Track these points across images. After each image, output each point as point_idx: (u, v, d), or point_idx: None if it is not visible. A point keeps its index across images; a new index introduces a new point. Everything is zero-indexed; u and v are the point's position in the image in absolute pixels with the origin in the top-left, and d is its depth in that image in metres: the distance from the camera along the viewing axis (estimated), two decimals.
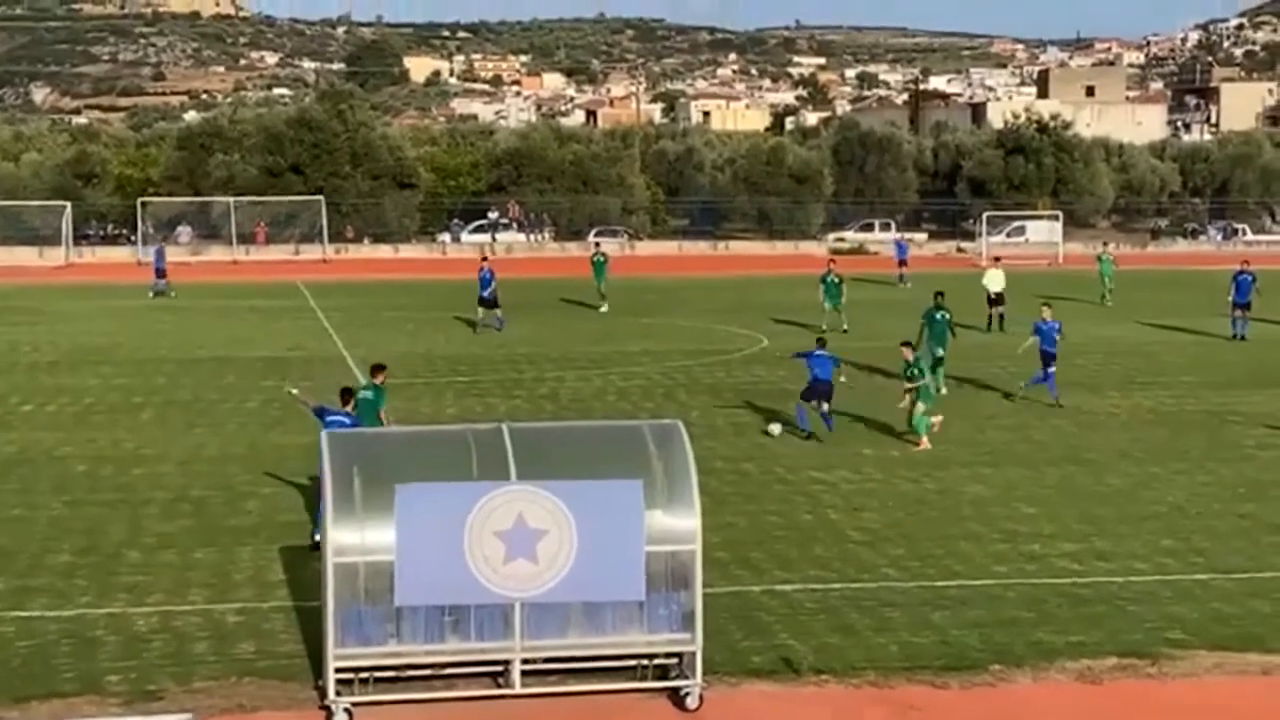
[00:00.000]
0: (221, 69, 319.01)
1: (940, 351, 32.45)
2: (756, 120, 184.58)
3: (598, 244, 61.69)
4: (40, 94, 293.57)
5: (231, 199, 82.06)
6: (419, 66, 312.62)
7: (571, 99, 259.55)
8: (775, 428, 28.32)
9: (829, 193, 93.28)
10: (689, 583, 14.67)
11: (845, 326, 43.11)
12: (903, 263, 61.36)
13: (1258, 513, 22.21)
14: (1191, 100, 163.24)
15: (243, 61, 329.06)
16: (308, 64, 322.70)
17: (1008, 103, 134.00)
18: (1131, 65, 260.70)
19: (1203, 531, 21.13)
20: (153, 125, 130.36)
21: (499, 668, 14.73)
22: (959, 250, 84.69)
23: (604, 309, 50.30)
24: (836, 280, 44.40)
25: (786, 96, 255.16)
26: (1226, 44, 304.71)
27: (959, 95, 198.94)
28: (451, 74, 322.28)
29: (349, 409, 21.29)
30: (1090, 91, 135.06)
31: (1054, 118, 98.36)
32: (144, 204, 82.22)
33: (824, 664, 15.57)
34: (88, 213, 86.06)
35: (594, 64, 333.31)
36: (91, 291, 59.65)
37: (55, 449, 26.95)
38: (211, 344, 41.83)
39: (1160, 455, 26.40)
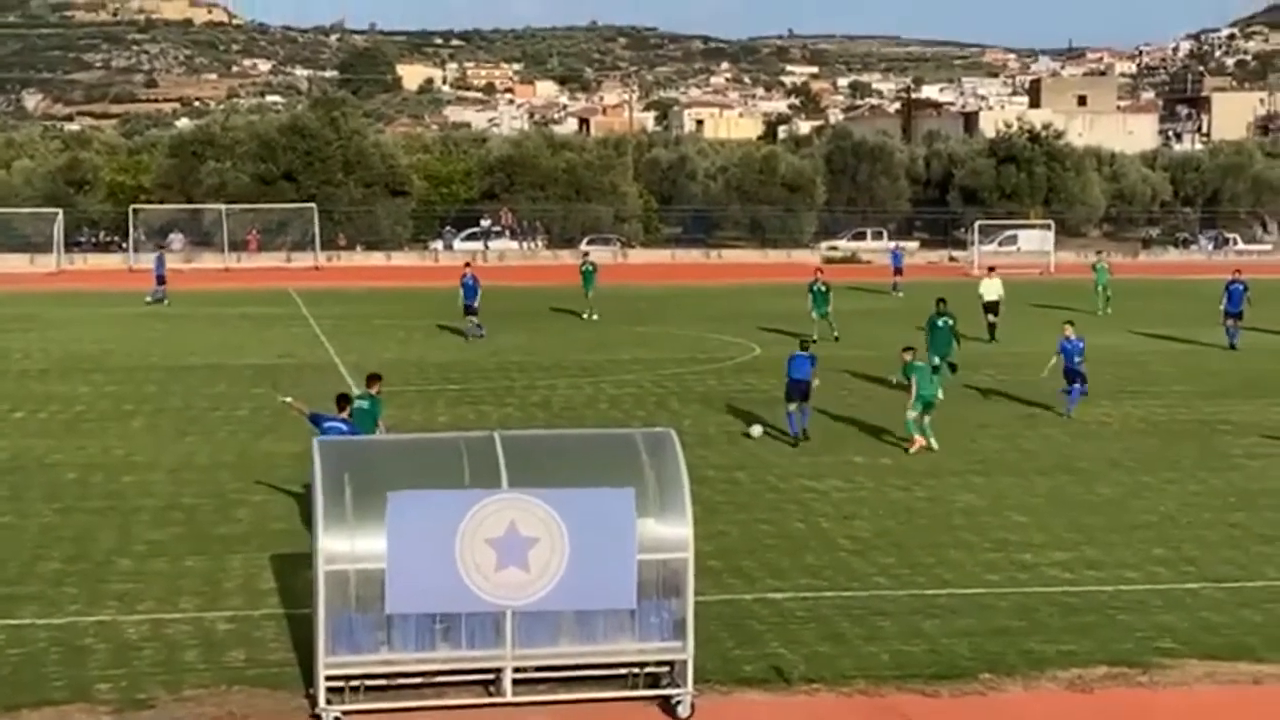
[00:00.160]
0: (214, 76, 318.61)
1: (937, 360, 32.32)
2: (749, 129, 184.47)
3: (586, 253, 61.63)
4: (32, 100, 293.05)
5: (224, 206, 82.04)
6: (412, 74, 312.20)
7: (564, 107, 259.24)
8: (756, 429, 28.40)
9: (821, 201, 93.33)
10: (680, 591, 14.68)
11: (836, 334, 43.13)
12: (898, 271, 61.45)
13: (1248, 522, 22.23)
14: (1183, 110, 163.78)
15: (235, 69, 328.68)
16: (300, 71, 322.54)
17: (1000, 112, 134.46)
18: (1123, 75, 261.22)
19: (1193, 541, 21.15)
20: (145, 132, 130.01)
21: (490, 676, 14.70)
22: (951, 259, 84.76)
23: (595, 318, 50.23)
24: (823, 289, 44.40)
25: (779, 105, 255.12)
26: (1218, 54, 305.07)
27: (951, 104, 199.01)
28: (444, 82, 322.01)
29: (345, 417, 21.29)
30: (1082, 101, 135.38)
31: (1046, 127, 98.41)
32: (136, 211, 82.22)
33: (815, 673, 15.58)
34: (79, 220, 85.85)
35: (587, 72, 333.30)
36: (83, 299, 59.56)
37: (46, 456, 26.91)
38: (203, 351, 41.81)
39: (1151, 464, 26.42)
